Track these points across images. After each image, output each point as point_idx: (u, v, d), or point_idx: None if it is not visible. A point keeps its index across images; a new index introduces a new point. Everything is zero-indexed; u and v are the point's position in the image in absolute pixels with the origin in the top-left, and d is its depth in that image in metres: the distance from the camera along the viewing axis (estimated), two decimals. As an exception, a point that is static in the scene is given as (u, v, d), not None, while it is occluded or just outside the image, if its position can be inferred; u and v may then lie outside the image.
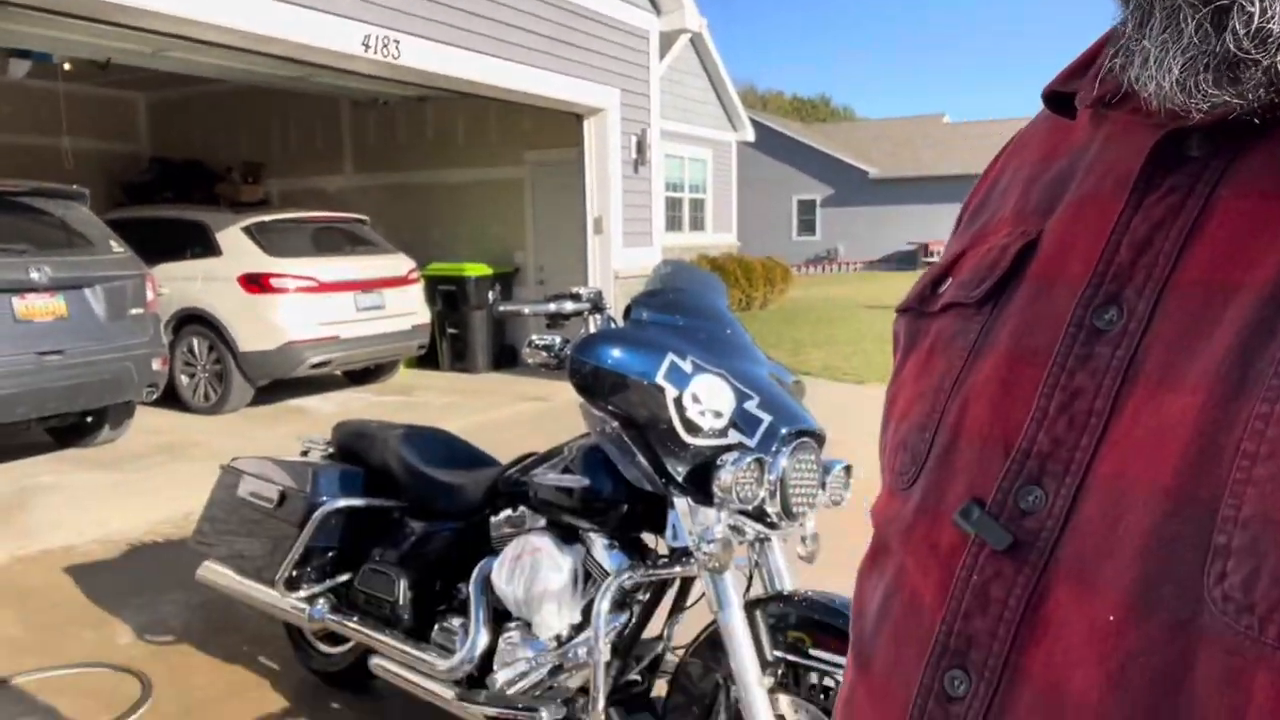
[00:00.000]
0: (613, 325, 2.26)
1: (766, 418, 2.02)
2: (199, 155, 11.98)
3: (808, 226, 30.84)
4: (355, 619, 2.71)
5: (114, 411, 6.35)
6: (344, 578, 2.85)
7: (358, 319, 7.87)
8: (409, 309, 8.41)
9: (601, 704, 2.11)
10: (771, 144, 29.61)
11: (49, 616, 3.62)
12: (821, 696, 1.98)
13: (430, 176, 10.63)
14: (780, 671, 2.01)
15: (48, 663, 3.23)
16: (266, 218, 7.90)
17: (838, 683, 1.96)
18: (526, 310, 2.24)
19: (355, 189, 11.16)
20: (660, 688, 2.34)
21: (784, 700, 2.00)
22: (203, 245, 7.74)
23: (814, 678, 2.00)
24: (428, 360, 9.57)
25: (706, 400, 2.02)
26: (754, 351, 2.22)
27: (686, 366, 2.04)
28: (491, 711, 2.26)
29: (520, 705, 2.23)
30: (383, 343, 8.11)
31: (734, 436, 2.01)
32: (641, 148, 9.42)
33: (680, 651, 2.21)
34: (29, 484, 5.49)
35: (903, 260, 29.46)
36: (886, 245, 29.85)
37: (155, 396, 6.24)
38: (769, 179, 30.64)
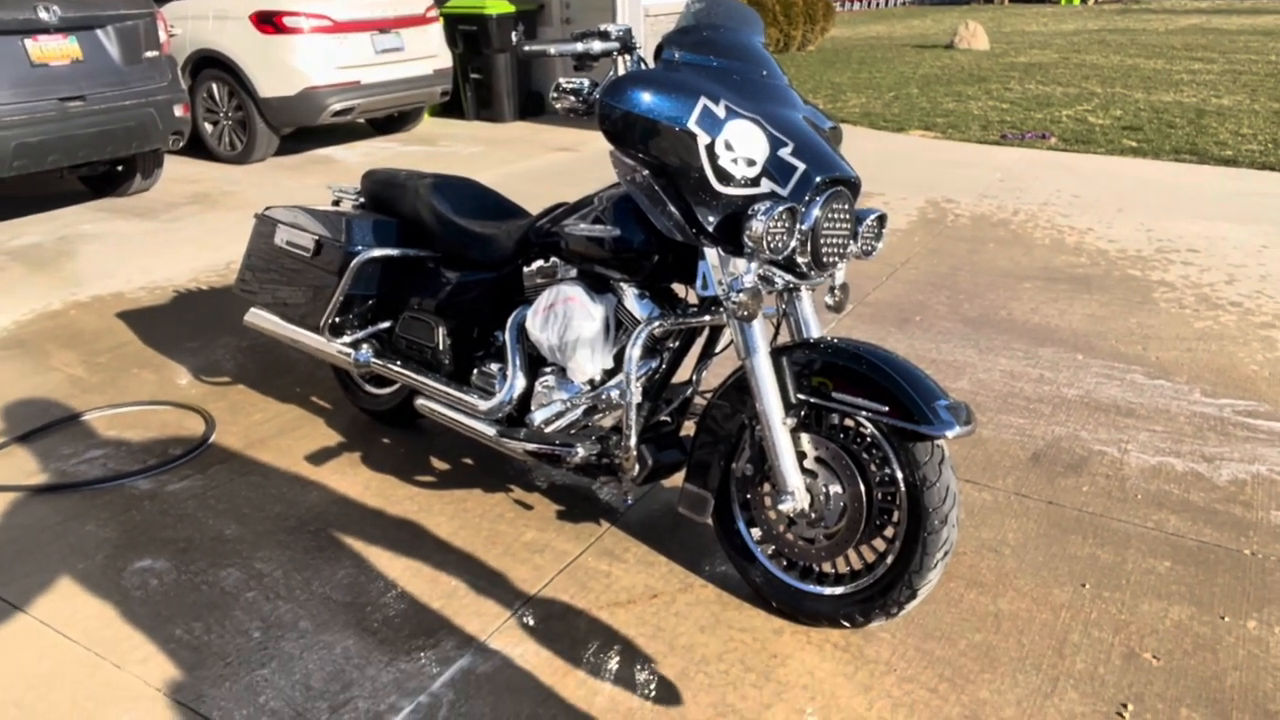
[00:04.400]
0: (643, 67, 2.16)
1: (800, 165, 1.97)
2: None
3: (854, -46, 28.33)
4: (399, 363, 2.84)
5: (143, 160, 6.34)
6: (385, 325, 2.96)
7: (377, 62, 7.56)
8: (430, 51, 8.04)
9: (634, 441, 2.24)
10: None
11: (109, 359, 3.83)
12: (841, 436, 2.08)
13: (444, -101, 9.76)
14: (803, 413, 2.10)
15: (114, 401, 3.46)
16: (273, -51, 7.39)
17: (857, 424, 2.06)
18: (552, 50, 2.13)
19: (364, -85, 10.31)
20: (689, 428, 2.47)
21: (805, 438, 2.11)
22: (209, -19, 7.33)
23: (835, 419, 2.10)
24: (451, 108, 9.29)
25: (739, 147, 1.96)
26: (790, 95, 2.13)
27: (720, 111, 1.97)
28: (531, 447, 2.42)
29: (558, 441, 2.38)
30: (405, 88, 7.84)
31: (766, 185, 1.98)
32: None
33: (708, 395, 2.31)
34: (70, 233, 5.61)
35: (955, -7, 27.28)
36: (939, -24, 27.53)
37: (181, 144, 6.19)
38: (814, -102, 27.81)
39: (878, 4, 27.46)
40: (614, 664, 2.11)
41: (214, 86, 7.42)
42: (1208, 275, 4.53)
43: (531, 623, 2.25)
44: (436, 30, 8.16)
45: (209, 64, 7.37)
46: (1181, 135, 7.64)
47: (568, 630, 2.22)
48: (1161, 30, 16.66)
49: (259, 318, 3.18)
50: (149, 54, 5.87)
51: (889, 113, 9.05)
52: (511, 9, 8.92)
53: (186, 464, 3.01)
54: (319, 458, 3.03)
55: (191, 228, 5.68)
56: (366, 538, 2.60)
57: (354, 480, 2.90)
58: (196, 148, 7.60)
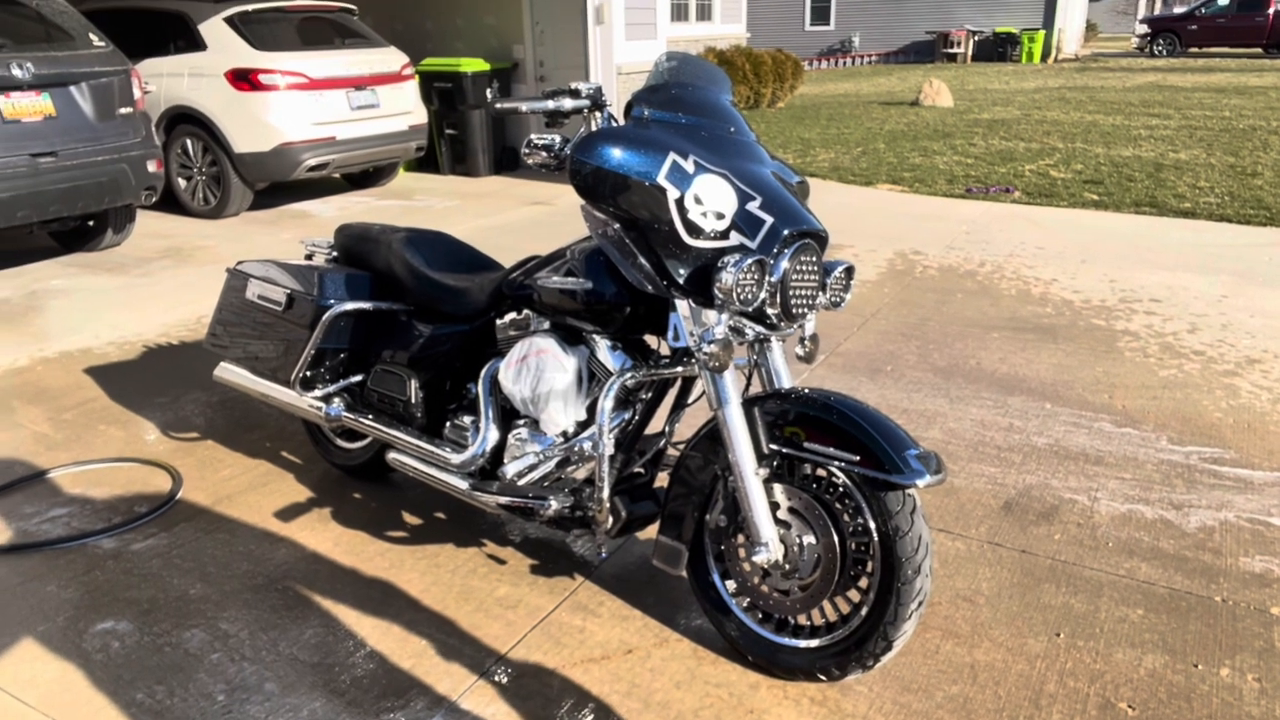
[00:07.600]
0: (613, 123, 2.20)
1: (768, 219, 2.01)
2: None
3: (821, 15, 29.16)
4: (370, 417, 2.82)
5: (115, 215, 6.32)
6: (356, 378, 2.94)
7: (353, 119, 7.64)
8: (405, 108, 8.14)
9: (607, 493, 2.23)
10: (786, -79, 27.46)
11: (75, 415, 3.77)
12: (814, 486, 2.09)
13: (420, -39, 9.96)
14: (775, 463, 2.11)
15: (79, 458, 3.39)
16: (249, 7, 7.49)
17: (830, 474, 2.07)
18: (524, 108, 2.17)
19: (341, -24, 10.49)
20: (662, 480, 2.46)
21: (778, 488, 2.11)
22: (185, 38, 7.40)
23: (807, 469, 2.10)
24: (427, 163, 9.37)
25: (708, 201, 2.00)
26: (758, 150, 2.17)
27: (689, 166, 2.00)
28: (504, 500, 2.40)
29: (530, 494, 2.36)
30: (380, 144, 7.91)
31: (735, 238, 2.00)
32: (645, -73, 8.76)
33: (681, 446, 2.31)
34: (39, 289, 5.55)
35: (921, 52, 28.08)
36: (904, 35, 28.35)
37: (154, 200, 6.18)
38: (782, -38, 28.65)
39: (846, 62, 28.20)
40: (588, 722, 2.07)
41: (188, 142, 7.44)
42: (1171, 324, 4.62)
43: (504, 681, 2.21)
44: (412, 87, 8.26)
45: (183, 120, 7.41)
46: (1141, 189, 7.86)
47: (540, 689, 2.18)
48: (1119, 88, 17.21)
49: (229, 372, 3.16)
50: (123, 110, 5.90)
51: (857, 167, 9.24)
52: (486, 67, 9.07)
53: (152, 522, 2.95)
54: (288, 514, 2.99)
55: (163, 283, 5.65)
56: (336, 596, 2.55)
57: (323, 537, 2.85)
58: (170, 203, 7.60)
